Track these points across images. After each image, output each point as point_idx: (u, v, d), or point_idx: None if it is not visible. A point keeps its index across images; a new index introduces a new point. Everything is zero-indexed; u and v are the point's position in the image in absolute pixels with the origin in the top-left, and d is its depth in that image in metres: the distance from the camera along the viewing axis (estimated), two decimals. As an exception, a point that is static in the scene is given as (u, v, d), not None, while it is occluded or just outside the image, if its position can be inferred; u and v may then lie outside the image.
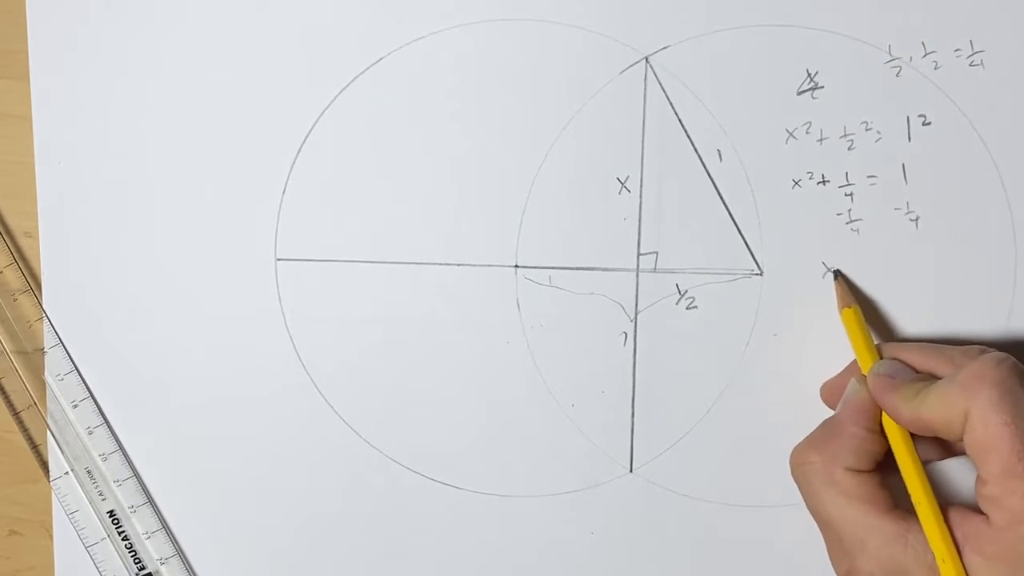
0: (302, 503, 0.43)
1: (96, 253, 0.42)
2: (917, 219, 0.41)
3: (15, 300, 0.42)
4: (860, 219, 0.41)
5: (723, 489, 0.42)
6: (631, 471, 0.42)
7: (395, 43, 0.41)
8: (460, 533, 0.43)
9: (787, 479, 0.40)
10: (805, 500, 0.37)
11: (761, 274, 0.41)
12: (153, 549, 0.43)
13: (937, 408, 0.34)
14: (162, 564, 0.43)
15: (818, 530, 0.37)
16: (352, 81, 0.41)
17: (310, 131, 0.42)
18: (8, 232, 0.43)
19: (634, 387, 0.42)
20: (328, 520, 0.43)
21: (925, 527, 0.35)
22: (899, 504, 0.36)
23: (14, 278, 0.42)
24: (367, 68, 0.41)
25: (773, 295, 0.41)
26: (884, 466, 0.37)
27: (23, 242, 0.43)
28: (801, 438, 0.39)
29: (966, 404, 0.33)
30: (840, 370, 0.40)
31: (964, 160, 0.41)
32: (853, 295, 0.40)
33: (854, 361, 0.39)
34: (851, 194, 0.41)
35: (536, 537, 0.43)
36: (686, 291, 0.42)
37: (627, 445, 0.42)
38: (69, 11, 0.41)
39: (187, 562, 0.43)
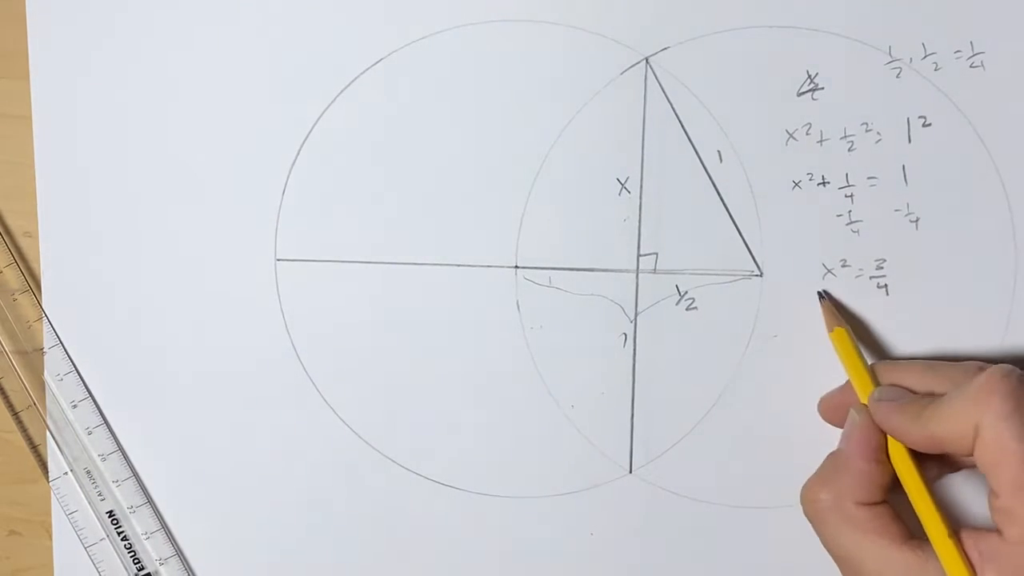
0: (301, 503, 0.43)
1: (96, 253, 0.42)
2: (917, 220, 0.41)
3: (15, 300, 0.42)
4: (860, 220, 0.41)
5: (722, 490, 0.42)
6: (630, 472, 0.42)
7: (395, 44, 0.41)
8: (459, 534, 0.43)
9: (786, 480, 0.40)
10: (820, 538, 0.37)
11: (761, 275, 0.41)
12: (152, 549, 0.43)
13: (947, 423, 0.34)
14: (161, 564, 0.43)
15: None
16: (352, 82, 0.41)
17: (310, 132, 0.42)
18: (8, 232, 0.43)
19: (634, 388, 0.42)
20: (327, 520, 0.43)
21: (940, 556, 0.34)
22: (915, 534, 0.35)
23: (14, 278, 0.42)
24: (367, 68, 0.41)
25: (773, 296, 0.41)
26: (894, 492, 0.36)
27: (23, 242, 0.43)
28: (801, 440, 0.39)
29: (977, 417, 0.33)
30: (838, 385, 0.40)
31: (964, 161, 0.41)
32: (840, 314, 0.40)
33: (849, 381, 0.39)
34: (851, 195, 0.41)
35: (535, 538, 0.43)
36: (686, 292, 0.42)
37: (627, 446, 0.42)
38: (69, 11, 0.41)
39: (186, 562, 0.43)
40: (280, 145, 0.42)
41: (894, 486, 0.37)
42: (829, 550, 0.37)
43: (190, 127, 0.42)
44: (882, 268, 0.41)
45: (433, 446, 0.43)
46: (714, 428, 0.42)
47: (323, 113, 0.42)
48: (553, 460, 0.42)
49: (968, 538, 0.34)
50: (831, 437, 0.39)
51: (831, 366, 0.41)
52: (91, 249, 0.42)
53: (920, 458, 0.36)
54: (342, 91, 0.41)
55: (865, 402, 0.38)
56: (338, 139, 0.42)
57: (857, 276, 0.41)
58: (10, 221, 0.43)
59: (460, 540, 0.43)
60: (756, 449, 0.42)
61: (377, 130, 0.42)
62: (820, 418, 0.41)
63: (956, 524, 0.35)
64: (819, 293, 0.41)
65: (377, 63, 0.41)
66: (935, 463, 0.37)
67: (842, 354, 0.39)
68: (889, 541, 0.35)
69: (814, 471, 0.38)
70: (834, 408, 0.40)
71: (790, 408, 0.41)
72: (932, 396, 0.36)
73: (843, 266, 0.41)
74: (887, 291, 0.41)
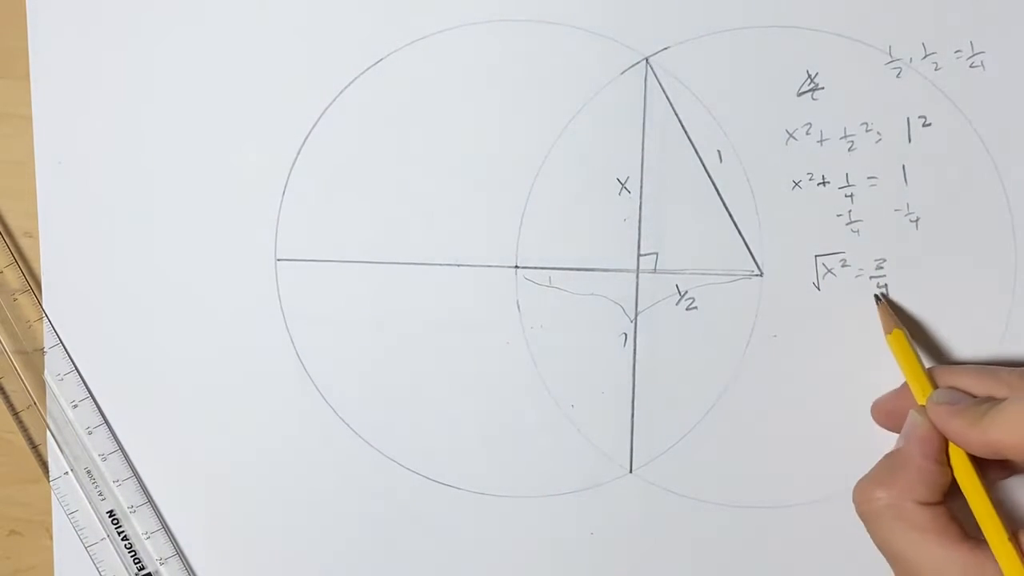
0: (301, 503, 0.43)
1: (96, 253, 0.42)
2: (917, 220, 0.41)
3: (15, 300, 0.42)
4: (860, 220, 0.41)
5: (722, 490, 0.42)
6: (631, 472, 0.42)
7: (396, 43, 0.41)
8: (460, 533, 0.43)
9: (786, 480, 0.40)
10: (873, 537, 0.36)
11: (761, 275, 0.41)
12: (153, 549, 0.43)
13: (1007, 429, 0.33)
14: (161, 564, 0.43)
15: (815, 530, 0.37)
16: (353, 81, 0.41)
17: (310, 131, 0.42)
18: (8, 232, 0.43)
19: (634, 388, 0.42)
20: (327, 520, 0.43)
21: (1000, 559, 0.34)
22: (970, 533, 0.35)
23: (14, 278, 0.42)
24: (368, 68, 0.41)
25: (773, 296, 0.41)
26: (950, 494, 0.36)
27: (23, 242, 0.43)
28: (800, 439, 0.39)
29: None
30: (888, 389, 0.40)
31: (964, 161, 0.41)
32: (898, 317, 0.40)
33: (905, 384, 0.39)
34: (851, 195, 0.41)
35: (535, 538, 0.43)
36: (686, 292, 0.42)
37: (627, 446, 0.42)
38: (69, 11, 0.41)
39: (187, 562, 0.43)
40: (280, 145, 0.42)
41: (950, 489, 0.36)
42: (882, 550, 0.36)
43: (190, 127, 0.42)
44: (882, 268, 0.41)
45: (433, 446, 0.43)
46: (714, 428, 0.42)
47: (323, 113, 0.42)
48: (553, 460, 0.42)
49: None
50: (831, 436, 0.40)
51: (831, 365, 0.41)
52: (91, 249, 0.42)
53: (980, 460, 0.36)
54: (342, 91, 0.41)
55: (923, 404, 0.37)
56: (338, 139, 0.42)
57: (857, 276, 0.41)
58: (10, 221, 0.43)
59: (460, 540, 0.43)
60: (756, 449, 0.42)
61: (377, 130, 0.42)
62: (821, 417, 0.41)
63: (1015, 527, 0.35)
64: (875, 296, 0.40)
65: (377, 63, 0.41)
66: (997, 465, 0.37)
67: (899, 356, 0.39)
68: (948, 540, 0.34)
69: (820, 469, 0.38)
70: (887, 412, 0.39)
71: (790, 408, 0.41)
72: (992, 400, 0.36)
73: (843, 266, 0.41)
74: (887, 291, 0.41)
